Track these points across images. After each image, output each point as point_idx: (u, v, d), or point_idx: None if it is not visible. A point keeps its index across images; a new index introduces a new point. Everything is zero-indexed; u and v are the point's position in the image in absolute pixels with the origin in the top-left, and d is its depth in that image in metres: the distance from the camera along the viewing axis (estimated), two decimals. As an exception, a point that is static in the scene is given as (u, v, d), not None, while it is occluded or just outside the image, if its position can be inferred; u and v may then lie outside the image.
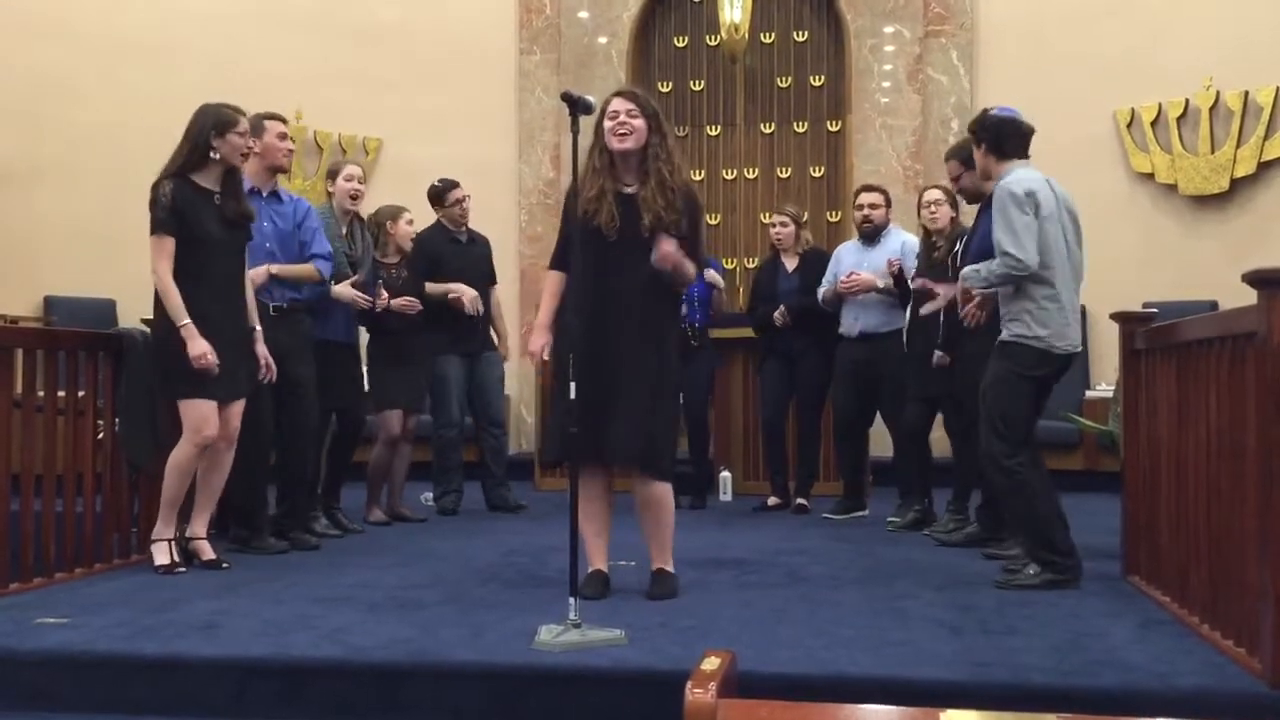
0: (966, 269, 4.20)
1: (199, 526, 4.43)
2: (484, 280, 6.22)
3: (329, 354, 5.14)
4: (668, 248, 3.68)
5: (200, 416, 4.23)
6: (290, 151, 5.00)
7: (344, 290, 5.20)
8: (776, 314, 6.16)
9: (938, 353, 5.19)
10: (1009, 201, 3.95)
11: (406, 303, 5.57)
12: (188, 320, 4.16)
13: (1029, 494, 3.98)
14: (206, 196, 4.29)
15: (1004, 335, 4.06)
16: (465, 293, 5.90)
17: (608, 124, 3.77)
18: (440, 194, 6.12)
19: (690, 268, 3.81)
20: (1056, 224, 4.03)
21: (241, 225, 4.40)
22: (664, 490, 3.83)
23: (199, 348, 4.15)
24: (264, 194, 4.86)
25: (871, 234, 6.01)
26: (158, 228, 4.21)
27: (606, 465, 3.79)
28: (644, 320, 3.76)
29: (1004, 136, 4.18)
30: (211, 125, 4.28)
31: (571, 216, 3.72)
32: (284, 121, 4.94)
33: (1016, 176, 4.06)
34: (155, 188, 4.24)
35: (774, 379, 6.33)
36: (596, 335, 3.68)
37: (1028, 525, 4.04)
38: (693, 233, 3.83)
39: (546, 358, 3.84)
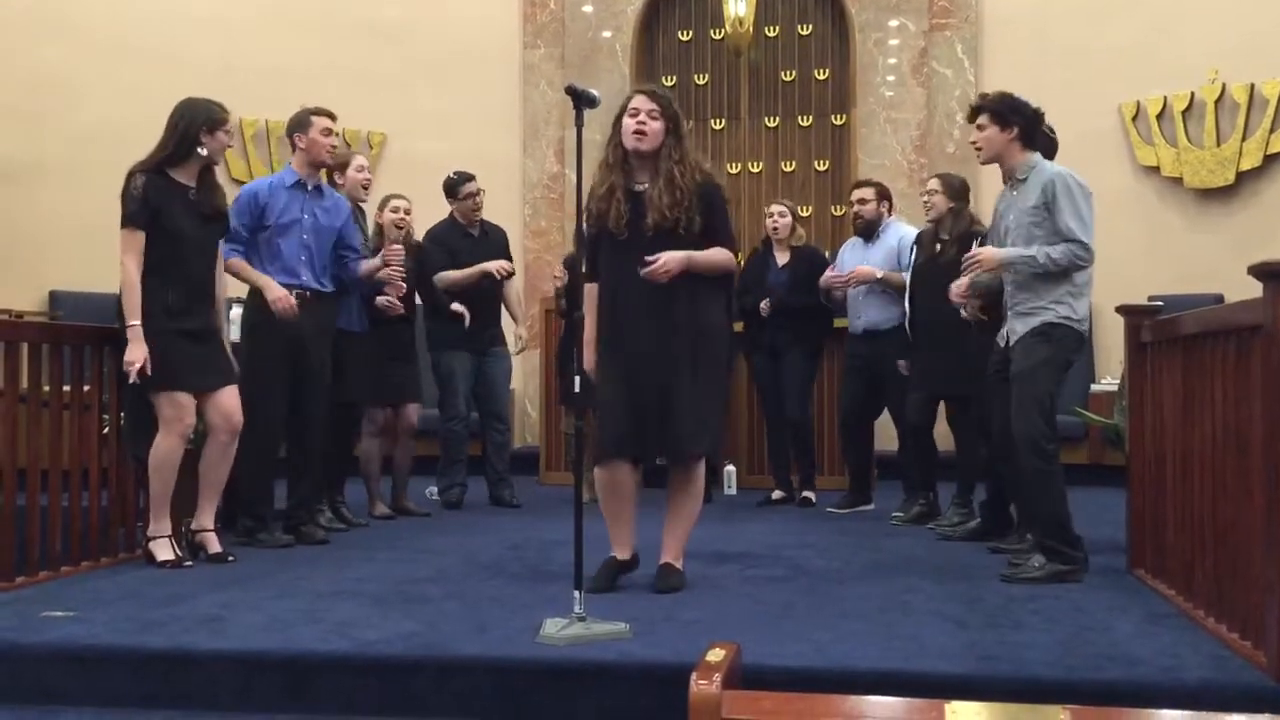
0: (1012, 252, 4.07)
1: (205, 518, 4.43)
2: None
3: (341, 343, 5.12)
4: (660, 264, 3.65)
5: (176, 407, 4.21)
6: (334, 148, 5.03)
7: (369, 264, 5.20)
8: (763, 305, 6.13)
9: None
10: (1078, 192, 4.01)
11: (388, 303, 5.41)
12: (137, 322, 4.13)
13: (1057, 479, 3.99)
14: (181, 191, 4.27)
15: (1048, 318, 4.03)
16: (489, 265, 5.90)
17: (627, 121, 3.75)
18: (454, 186, 6.10)
19: (704, 257, 3.74)
20: None
21: (216, 220, 4.39)
22: (699, 480, 3.85)
23: (136, 353, 4.11)
24: (309, 187, 4.87)
25: (865, 230, 6.00)
26: (128, 221, 4.19)
27: (659, 457, 3.86)
28: (677, 309, 3.73)
29: (1036, 130, 4.21)
30: (202, 122, 4.26)
31: (588, 219, 3.73)
32: (331, 117, 4.94)
33: (1062, 168, 4.11)
34: (128, 180, 4.22)
35: (766, 375, 6.33)
36: (630, 334, 3.74)
37: (1048, 512, 4.03)
38: (714, 220, 3.79)
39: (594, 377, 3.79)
